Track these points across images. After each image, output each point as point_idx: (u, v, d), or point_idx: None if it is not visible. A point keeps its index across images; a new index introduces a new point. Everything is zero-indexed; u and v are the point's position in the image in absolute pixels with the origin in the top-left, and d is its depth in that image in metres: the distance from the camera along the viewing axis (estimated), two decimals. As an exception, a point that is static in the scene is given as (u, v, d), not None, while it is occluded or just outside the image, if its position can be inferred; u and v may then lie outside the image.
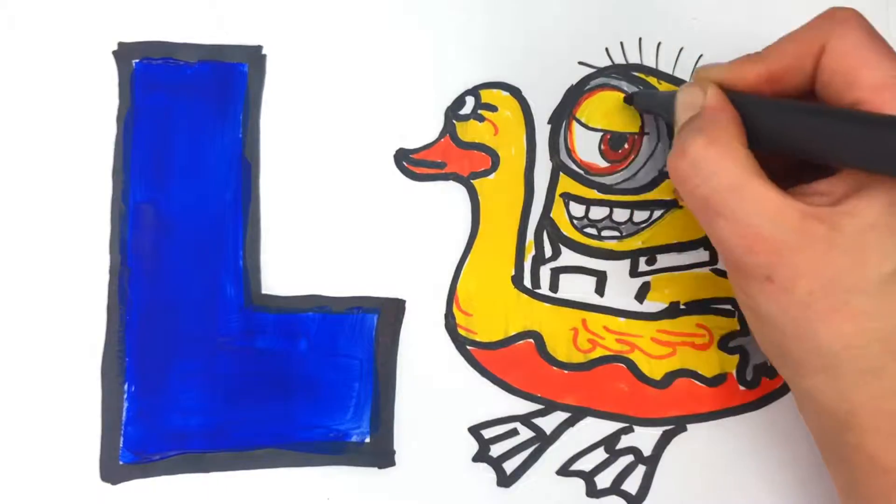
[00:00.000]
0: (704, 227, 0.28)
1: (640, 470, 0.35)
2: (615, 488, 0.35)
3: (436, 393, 0.35)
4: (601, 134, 0.36)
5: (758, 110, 0.28)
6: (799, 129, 0.27)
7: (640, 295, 0.35)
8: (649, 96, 0.35)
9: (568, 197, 0.36)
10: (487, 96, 0.36)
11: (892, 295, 0.25)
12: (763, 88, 0.29)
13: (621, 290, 0.35)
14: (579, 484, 0.35)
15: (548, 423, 0.35)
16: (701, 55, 0.36)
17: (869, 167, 0.25)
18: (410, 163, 0.35)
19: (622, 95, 0.36)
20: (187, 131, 0.35)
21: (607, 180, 0.36)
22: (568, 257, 0.35)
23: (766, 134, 0.28)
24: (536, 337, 0.35)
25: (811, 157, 0.27)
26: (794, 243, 0.26)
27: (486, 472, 0.35)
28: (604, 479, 0.35)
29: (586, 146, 0.36)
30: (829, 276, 0.26)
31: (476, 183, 0.35)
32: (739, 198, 0.26)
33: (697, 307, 0.35)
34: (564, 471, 0.35)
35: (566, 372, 0.35)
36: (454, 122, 0.36)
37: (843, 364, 0.26)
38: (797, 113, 0.27)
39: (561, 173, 0.36)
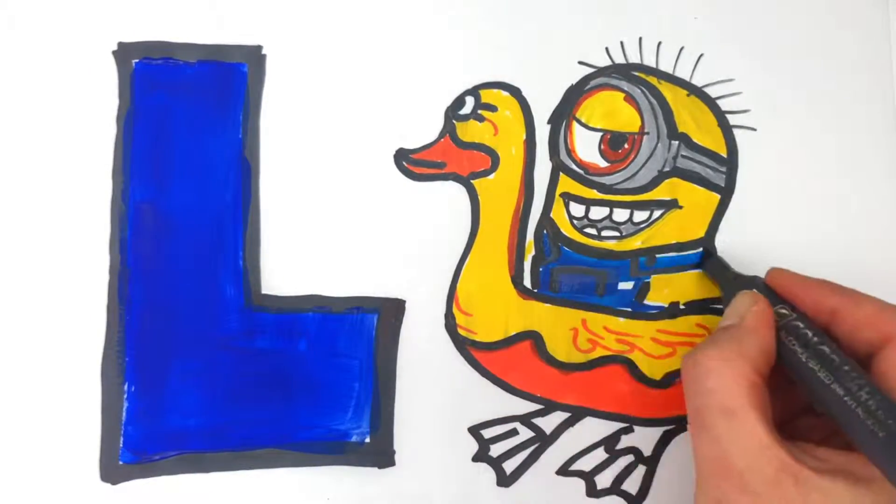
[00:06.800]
0: (690, 434, 0.29)
1: (640, 470, 0.35)
2: (615, 488, 0.35)
3: (436, 393, 0.35)
4: (601, 134, 0.36)
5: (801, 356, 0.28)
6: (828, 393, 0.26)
7: (640, 295, 0.35)
8: (722, 269, 0.34)
9: (568, 197, 0.36)
10: (487, 96, 0.36)
11: None
12: (821, 319, 0.29)
13: (621, 290, 0.35)
14: (579, 484, 0.35)
15: (547, 423, 0.35)
16: (701, 55, 0.36)
17: (874, 462, 0.25)
18: (410, 163, 0.35)
19: (623, 95, 0.36)
20: (187, 131, 0.35)
21: (607, 180, 0.35)
22: (568, 257, 0.35)
23: (798, 373, 0.28)
24: (536, 337, 0.35)
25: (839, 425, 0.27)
26: (759, 488, 0.25)
27: (486, 472, 0.35)
28: (604, 479, 0.35)
29: (586, 146, 0.36)
30: None
31: (476, 183, 0.35)
32: (728, 424, 0.26)
33: (697, 307, 0.35)
34: (564, 471, 0.35)
35: (566, 372, 0.35)
36: (454, 122, 0.36)
37: None
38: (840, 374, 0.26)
39: (561, 173, 0.36)
